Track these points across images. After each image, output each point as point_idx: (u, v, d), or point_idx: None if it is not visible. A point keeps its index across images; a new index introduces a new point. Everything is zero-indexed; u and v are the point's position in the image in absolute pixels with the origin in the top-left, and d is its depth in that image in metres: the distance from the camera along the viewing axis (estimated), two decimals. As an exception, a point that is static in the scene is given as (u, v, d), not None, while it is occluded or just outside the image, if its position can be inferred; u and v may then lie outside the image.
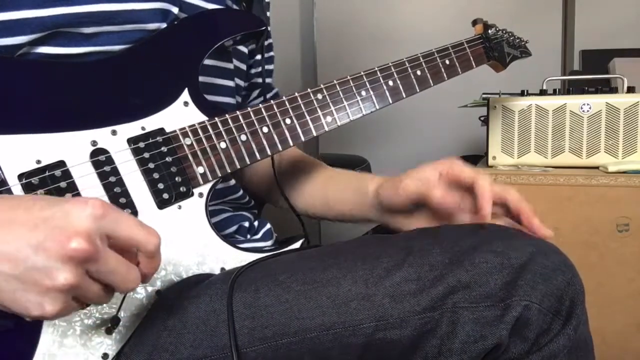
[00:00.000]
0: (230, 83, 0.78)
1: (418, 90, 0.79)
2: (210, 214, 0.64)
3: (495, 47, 0.92)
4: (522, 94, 1.15)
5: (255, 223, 0.78)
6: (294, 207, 0.83)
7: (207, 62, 0.71)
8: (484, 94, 1.19)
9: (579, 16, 1.74)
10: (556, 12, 1.77)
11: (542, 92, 1.15)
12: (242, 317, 0.54)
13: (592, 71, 1.52)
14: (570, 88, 1.16)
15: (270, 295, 0.55)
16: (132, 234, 0.44)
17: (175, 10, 0.65)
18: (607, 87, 1.15)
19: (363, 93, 0.74)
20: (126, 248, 0.44)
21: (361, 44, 1.93)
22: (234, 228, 0.74)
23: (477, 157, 1.37)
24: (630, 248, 1.01)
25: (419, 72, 0.79)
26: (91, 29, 0.59)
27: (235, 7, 0.77)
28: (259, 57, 0.85)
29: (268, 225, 0.79)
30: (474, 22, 0.95)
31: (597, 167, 1.08)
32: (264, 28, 0.71)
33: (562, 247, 0.58)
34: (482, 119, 1.23)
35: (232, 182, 0.77)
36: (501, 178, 1.07)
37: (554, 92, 1.15)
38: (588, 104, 1.07)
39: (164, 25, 0.64)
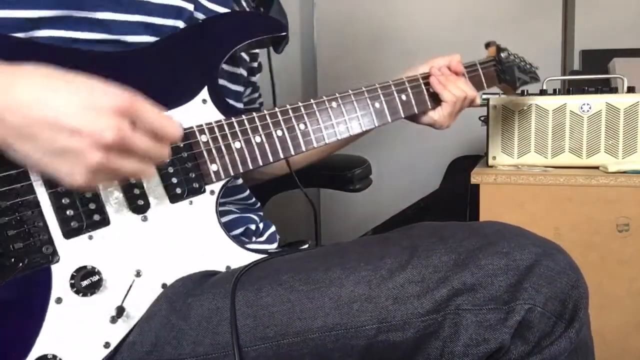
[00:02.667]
0: (240, 88, 0.80)
1: (430, 107, 0.82)
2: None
3: (506, 71, 0.94)
4: (522, 94, 1.15)
5: (261, 225, 0.78)
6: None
7: (223, 66, 0.72)
8: (484, 93, 1.19)
9: (579, 16, 1.74)
10: (556, 12, 1.77)
11: (542, 92, 1.15)
12: (244, 316, 0.55)
13: (592, 71, 1.51)
14: (570, 88, 1.16)
15: (272, 294, 0.55)
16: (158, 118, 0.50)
17: (190, 7, 0.67)
18: (607, 87, 1.14)
19: (377, 104, 0.76)
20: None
21: (361, 44, 1.93)
22: (240, 230, 0.74)
23: (477, 157, 1.37)
24: (630, 248, 1.01)
25: (432, 89, 0.82)
26: (105, 14, 0.60)
27: (248, 8, 0.79)
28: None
29: (273, 228, 0.79)
30: (487, 45, 0.97)
31: (597, 167, 1.08)
32: (284, 33, 0.73)
33: (562, 247, 0.59)
34: (482, 119, 1.23)
35: (240, 181, 0.78)
36: (501, 178, 1.07)
37: (554, 92, 1.15)
38: (588, 104, 1.07)
39: (178, 22, 0.66)
